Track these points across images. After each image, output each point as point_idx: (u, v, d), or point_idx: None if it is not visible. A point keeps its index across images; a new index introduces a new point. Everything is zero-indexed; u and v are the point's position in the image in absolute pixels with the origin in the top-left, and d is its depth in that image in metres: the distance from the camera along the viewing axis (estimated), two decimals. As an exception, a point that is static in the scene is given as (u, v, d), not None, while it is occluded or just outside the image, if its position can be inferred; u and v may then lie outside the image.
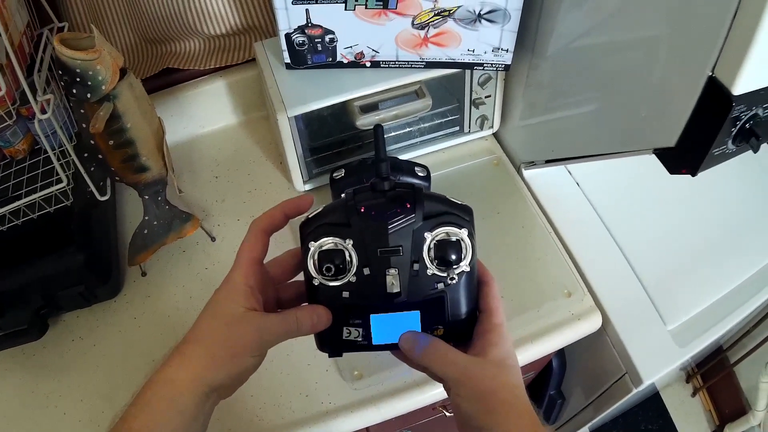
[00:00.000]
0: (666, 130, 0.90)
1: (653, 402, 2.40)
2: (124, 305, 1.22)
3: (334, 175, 1.22)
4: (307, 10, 1.10)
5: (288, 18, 1.11)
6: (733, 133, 0.84)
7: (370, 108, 1.22)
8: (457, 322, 0.71)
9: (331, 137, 1.32)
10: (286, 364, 1.13)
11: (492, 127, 1.42)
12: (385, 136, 1.34)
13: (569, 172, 1.40)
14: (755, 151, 0.87)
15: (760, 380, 1.95)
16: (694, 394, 2.42)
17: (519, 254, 1.26)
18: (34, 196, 1.09)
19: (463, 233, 0.69)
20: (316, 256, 0.69)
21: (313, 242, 0.69)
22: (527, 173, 1.39)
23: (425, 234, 0.69)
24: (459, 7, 1.09)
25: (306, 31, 1.14)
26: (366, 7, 1.09)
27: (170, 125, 1.25)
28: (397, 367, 1.11)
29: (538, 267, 1.25)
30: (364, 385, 1.10)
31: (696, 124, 0.85)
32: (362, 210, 0.69)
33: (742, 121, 0.83)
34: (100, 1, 1.28)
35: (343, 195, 0.71)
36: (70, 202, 1.12)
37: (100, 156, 1.08)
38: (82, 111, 1.01)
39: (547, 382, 1.55)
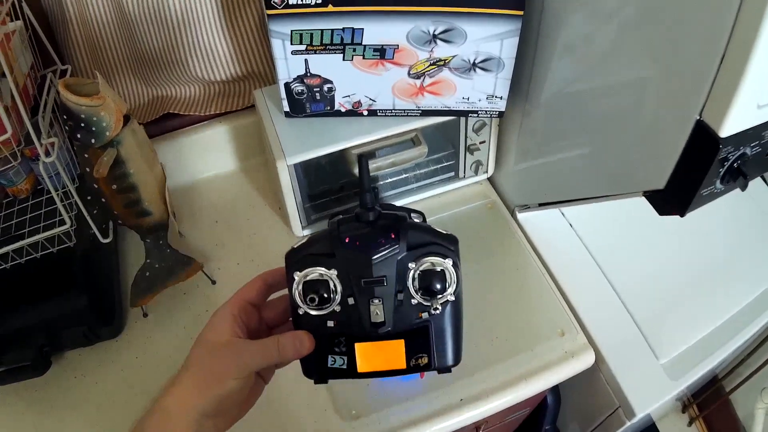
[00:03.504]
0: (655, 172, 0.91)
1: None
2: (126, 345, 1.23)
3: (333, 221, 1.23)
4: (306, 60, 1.12)
5: (287, 67, 1.14)
6: (721, 173, 0.86)
7: (369, 156, 1.24)
8: (442, 351, 0.72)
9: (330, 184, 1.33)
10: (284, 404, 1.14)
11: (486, 172, 1.44)
12: (382, 182, 1.37)
13: (562, 213, 1.41)
14: (743, 190, 0.89)
15: (756, 407, 1.93)
16: (690, 424, 2.38)
17: (513, 296, 1.28)
18: (37, 236, 1.10)
19: (448, 263, 0.70)
20: (300, 286, 0.70)
21: (298, 272, 0.70)
22: (521, 216, 1.41)
23: (409, 264, 0.70)
24: (454, 56, 1.12)
25: (305, 80, 1.16)
26: (363, 58, 1.12)
27: (171, 170, 1.26)
28: (394, 406, 1.12)
29: (532, 307, 1.26)
30: (362, 424, 1.11)
31: (685, 166, 0.86)
32: (347, 240, 0.70)
33: (730, 161, 0.84)
34: (103, 44, 1.30)
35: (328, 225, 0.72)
36: (73, 243, 1.14)
37: (103, 199, 1.10)
38: (86, 155, 1.04)
39: (542, 417, 1.56)
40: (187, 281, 1.25)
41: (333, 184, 1.34)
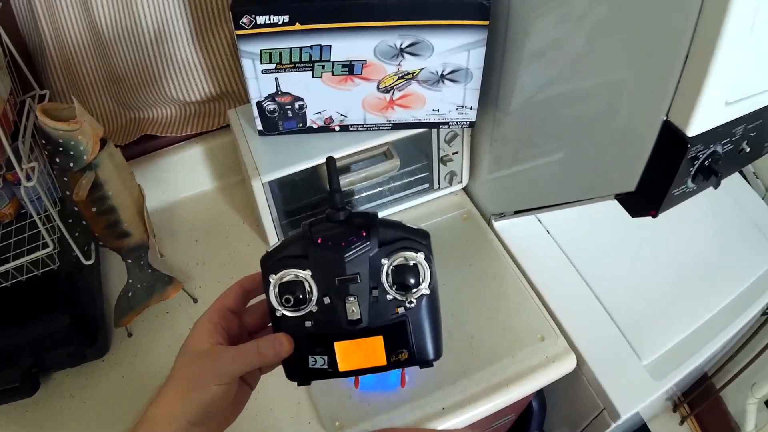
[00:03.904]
0: (626, 175, 0.92)
1: None
2: (112, 365, 1.24)
3: (304, 223, 1.24)
4: (276, 79, 1.14)
5: (258, 87, 1.15)
6: (692, 172, 0.87)
7: (340, 171, 1.26)
8: (421, 345, 0.72)
9: (305, 200, 1.35)
10: (269, 416, 1.15)
11: (461, 182, 1.46)
12: (357, 196, 1.38)
13: (539, 220, 1.43)
14: (715, 188, 0.90)
15: (747, 402, 1.94)
16: (681, 423, 2.37)
17: (492, 304, 1.29)
18: (22, 259, 1.12)
19: (420, 257, 0.70)
20: (276, 289, 0.71)
21: (273, 275, 0.71)
22: (497, 224, 1.42)
23: (382, 260, 0.70)
24: (422, 69, 1.14)
25: (276, 98, 1.18)
26: (332, 74, 1.13)
27: (149, 191, 1.27)
28: (377, 416, 1.13)
29: (511, 315, 1.27)
30: (345, 436, 1.12)
31: (654, 167, 0.87)
32: (319, 241, 0.70)
33: (701, 159, 0.85)
34: (79, 68, 1.31)
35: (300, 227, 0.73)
36: (57, 266, 1.15)
37: (83, 222, 1.11)
38: (65, 179, 1.04)
39: (528, 423, 1.56)
40: (169, 300, 1.26)
41: (309, 200, 1.35)
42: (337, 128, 1.25)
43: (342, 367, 0.72)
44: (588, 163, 1.06)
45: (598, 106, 0.97)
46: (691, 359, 1.27)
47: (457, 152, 1.38)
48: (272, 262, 0.72)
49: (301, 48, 1.09)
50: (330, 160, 0.74)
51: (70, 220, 1.13)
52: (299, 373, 0.74)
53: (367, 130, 1.25)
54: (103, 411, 1.18)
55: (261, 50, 1.09)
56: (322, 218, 0.73)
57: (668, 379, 1.23)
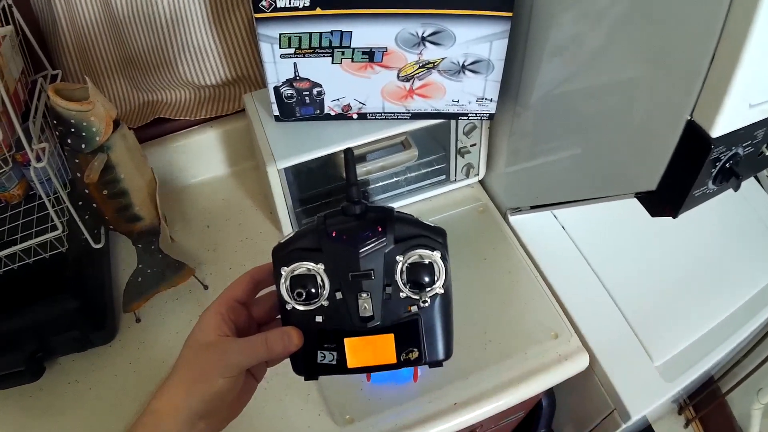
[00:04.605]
0: (647, 174, 0.91)
1: None
2: (119, 350, 1.23)
3: (319, 215, 1.23)
4: (295, 64, 1.12)
5: (276, 71, 1.14)
6: (714, 174, 0.86)
7: (357, 160, 1.24)
8: (433, 345, 0.71)
9: (320, 188, 1.34)
10: (278, 408, 1.14)
11: (477, 174, 1.45)
12: (373, 186, 1.37)
13: (555, 216, 1.42)
14: (735, 190, 0.89)
15: (752, 407, 1.94)
16: (686, 425, 2.37)
17: (505, 299, 1.28)
18: (30, 241, 1.11)
19: (436, 255, 0.69)
20: (288, 282, 0.70)
21: (285, 267, 0.70)
22: (513, 219, 1.41)
23: (397, 257, 0.69)
24: (443, 59, 1.12)
25: (294, 84, 1.16)
26: (352, 61, 1.12)
27: (162, 175, 1.27)
28: (388, 410, 1.12)
29: (524, 310, 1.26)
30: (355, 429, 1.11)
31: (676, 167, 0.86)
32: (333, 234, 0.69)
33: (722, 161, 0.84)
34: (93, 48, 1.30)
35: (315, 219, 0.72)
36: (65, 249, 1.14)
37: (94, 205, 1.10)
38: (76, 161, 1.04)
39: (537, 420, 1.55)
40: (180, 286, 1.25)
41: (323, 188, 1.34)
42: (355, 116, 1.23)
43: (351, 363, 0.71)
44: (608, 159, 1.05)
45: (619, 102, 0.96)
46: (702, 361, 1.26)
47: (475, 144, 1.37)
48: (284, 253, 0.71)
49: (321, 33, 1.07)
50: (348, 152, 0.73)
51: (80, 203, 1.13)
52: (307, 367, 0.73)
53: (385, 119, 1.24)
54: (109, 397, 1.17)
55: (280, 34, 1.07)
56: (337, 211, 0.72)
57: (679, 381, 1.22)
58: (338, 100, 1.20)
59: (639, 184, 0.95)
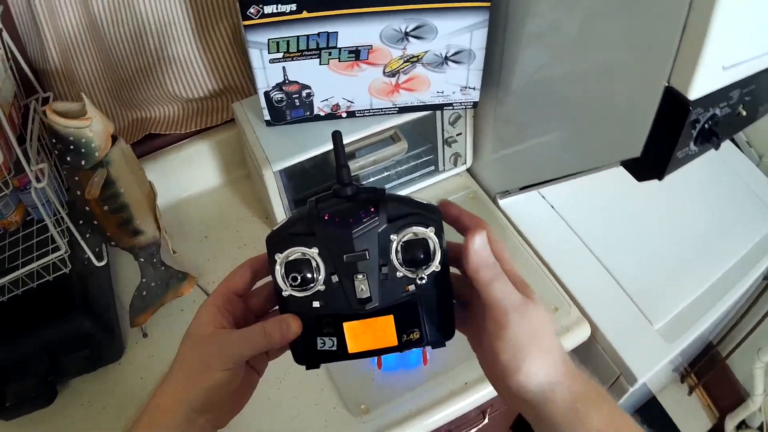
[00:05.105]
0: (631, 142, 0.94)
1: (651, 407, 2.39)
2: (129, 367, 1.24)
3: (310, 200, 1.23)
4: (284, 68, 1.15)
5: (266, 76, 1.16)
6: (694, 135, 0.89)
7: (348, 157, 1.25)
8: (433, 325, 0.69)
9: (314, 188, 1.35)
10: (294, 405, 1.16)
11: (465, 163, 1.47)
12: (364, 182, 1.38)
13: (543, 196, 1.45)
14: (716, 149, 0.91)
15: (754, 367, 1.97)
16: (690, 393, 2.42)
17: None
18: (33, 264, 1.10)
19: (430, 232, 0.67)
20: (282, 268, 0.68)
21: (279, 254, 0.68)
22: (503, 202, 1.44)
23: (391, 236, 0.67)
24: (426, 52, 1.15)
25: (283, 87, 1.19)
26: (339, 60, 1.14)
27: (157, 189, 1.28)
28: (400, 396, 1.14)
29: None
30: (371, 417, 1.13)
31: (658, 132, 0.90)
32: (326, 217, 0.67)
33: (701, 122, 0.88)
34: (81, 70, 1.31)
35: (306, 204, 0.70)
36: (69, 269, 1.14)
37: (95, 222, 1.11)
38: (76, 178, 1.04)
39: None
40: (184, 297, 1.26)
41: (317, 188, 1.35)
42: (344, 114, 1.26)
43: (351, 348, 0.69)
44: (592, 135, 1.08)
45: (599, 81, 1.00)
46: (700, 321, 1.29)
47: (461, 133, 1.39)
48: (278, 239, 0.69)
49: (308, 36, 1.10)
50: (336, 135, 0.71)
51: (81, 221, 1.12)
52: (307, 356, 0.71)
53: (373, 115, 1.27)
54: (122, 415, 1.18)
55: (269, 39, 1.10)
56: (328, 194, 0.70)
57: (681, 340, 1.26)
58: (327, 100, 1.22)
59: (624, 153, 0.97)
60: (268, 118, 1.25)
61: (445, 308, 0.70)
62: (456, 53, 1.16)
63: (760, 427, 2.18)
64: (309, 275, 0.67)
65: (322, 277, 0.68)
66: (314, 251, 0.67)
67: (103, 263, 1.19)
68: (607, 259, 1.35)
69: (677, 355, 1.27)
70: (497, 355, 0.63)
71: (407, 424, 1.12)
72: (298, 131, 1.26)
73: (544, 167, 1.25)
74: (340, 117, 1.26)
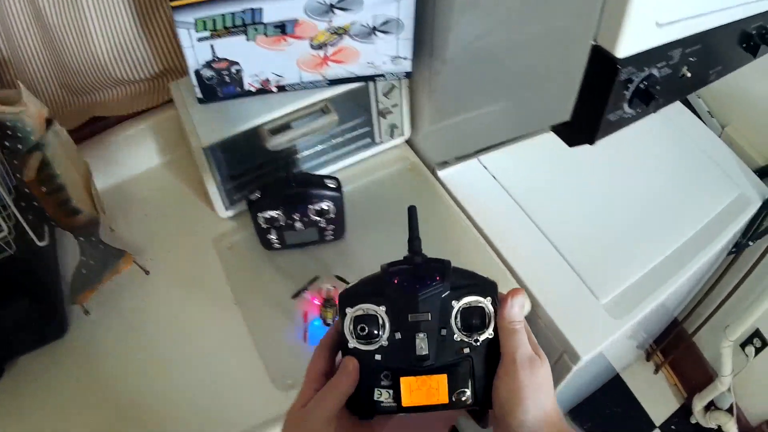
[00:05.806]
0: (561, 106, 0.95)
1: (615, 384, 2.41)
2: (73, 344, 1.26)
3: (251, 197, 1.27)
4: (211, 46, 1.16)
5: (195, 55, 1.17)
6: (628, 96, 0.89)
7: (278, 130, 1.28)
8: (482, 387, 0.73)
9: (248, 164, 1.36)
10: (219, 380, 1.20)
11: (402, 134, 1.48)
12: (299, 155, 1.40)
13: (485, 167, 1.45)
14: (654, 111, 0.93)
15: (721, 345, 1.95)
16: (656, 371, 2.43)
17: (441, 253, 1.28)
18: (-27, 249, 1.12)
19: (488, 302, 0.74)
20: (351, 321, 0.73)
21: (349, 308, 0.73)
22: (442, 174, 1.44)
23: (452, 302, 0.73)
24: (353, 23, 1.16)
25: (213, 65, 1.20)
26: (266, 36, 1.16)
27: (100, 171, 1.28)
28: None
29: (461, 263, 1.26)
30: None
31: (588, 93, 0.90)
32: (395, 281, 0.73)
33: (635, 82, 0.88)
34: (26, 58, 1.32)
35: (379, 269, 0.76)
36: (14, 251, 1.16)
37: (35, 203, 1.13)
38: (15, 162, 1.07)
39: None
40: (123, 275, 1.28)
41: (252, 163, 1.36)
42: (275, 89, 1.27)
43: (405, 402, 0.73)
44: (527, 102, 1.09)
45: (529, 45, 1.00)
46: (652, 296, 1.29)
47: (396, 105, 1.41)
48: (349, 296, 0.75)
49: (233, 13, 1.11)
50: (411, 209, 0.80)
51: (23, 203, 1.14)
52: (364, 404, 0.75)
53: (304, 88, 1.28)
54: (68, 390, 1.20)
55: (196, 19, 1.11)
56: (399, 261, 0.77)
57: (629, 317, 1.26)
58: (257, 75, 1.23)
59: (555, 117, 0.98)
60: (200, 95, 1.26)
61: (492, 372, 0.74)
62: (384, 23, 1.18)
63: (730, 409, 2.16)
64: (375, 330, 0.73)
65: (386, 333, 0.73)
66: (381, 309, 0.73)
67: (44, 243, 1.20)
68: (552, 232, 1.35)
69: (634, 331, 1.27)
70: (499, 394, 0.70)
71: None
72: (229, 108, 1.28)
73: (480, 136, 1.27)
74: (271, 92, 1.27)
